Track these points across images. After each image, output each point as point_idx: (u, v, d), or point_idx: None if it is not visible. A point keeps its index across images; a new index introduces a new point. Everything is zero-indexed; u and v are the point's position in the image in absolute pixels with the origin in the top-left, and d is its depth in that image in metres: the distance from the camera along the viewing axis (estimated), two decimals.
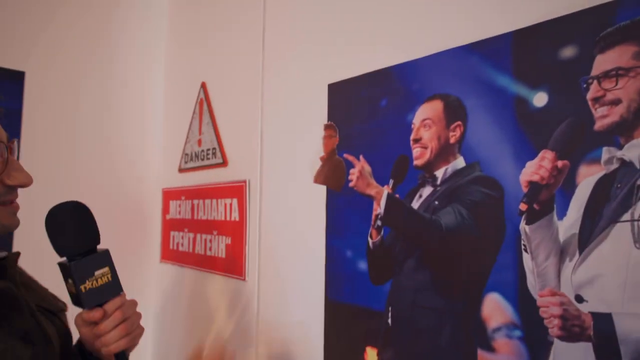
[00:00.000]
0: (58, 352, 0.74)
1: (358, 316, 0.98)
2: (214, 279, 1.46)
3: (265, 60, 1.33)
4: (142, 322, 0.79)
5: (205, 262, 1.50)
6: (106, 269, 0.74)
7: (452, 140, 0.85)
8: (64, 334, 0.79)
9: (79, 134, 1.66)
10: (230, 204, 1.39)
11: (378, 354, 0.94)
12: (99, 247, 0.75)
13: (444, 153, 0.86)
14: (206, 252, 1.49)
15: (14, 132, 1.49)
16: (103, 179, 1.70)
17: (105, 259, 0.74)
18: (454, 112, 0.85)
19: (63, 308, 0.81)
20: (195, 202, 1.57)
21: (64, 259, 0.73)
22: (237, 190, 1.37)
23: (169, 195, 1.75)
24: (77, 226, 0.73)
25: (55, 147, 1.60)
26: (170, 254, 1.72)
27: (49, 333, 0.73)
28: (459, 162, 0.84)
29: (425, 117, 0.89)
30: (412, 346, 0.87)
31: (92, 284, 0.72)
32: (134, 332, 0.77)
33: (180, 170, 1.69)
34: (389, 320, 0.92)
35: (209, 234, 1.48)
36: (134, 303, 0.78)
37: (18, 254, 0.76)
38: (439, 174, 0.86)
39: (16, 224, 0.72)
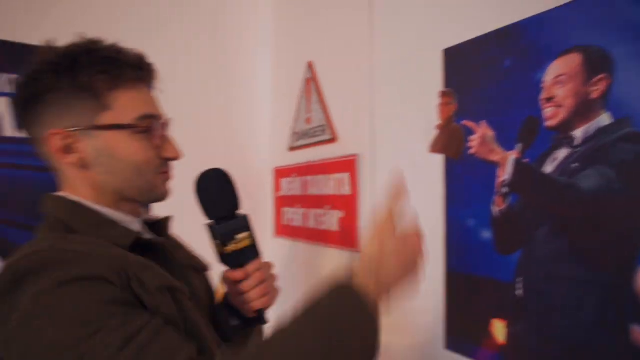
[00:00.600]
0: (205, 306, 0.83)
1: (482, 287, 0.95)
2: (327, 251, 1.51)
3: (374, 33, 1.32)
4: None
5: (318, 236, 1.55)
6: (247, 234, 0.79)
7: (594, 96, 0.77)
8: (208, 290, 0.88)
9: (193, 118, 1.80)
10: (342, 179, 1.42)
11: (507, 327, 0.90)
12: (238, 212, 0.82)
13: (583, 110, 0.78)
14: (319, 226, 1.55)
15: None
16: (216, 162, 1.83)
17: (247, 223, 0.80)
18: (596, 64, 0.76)
19: (207, 267, 0.90)
20: (306, 178, 1.62)
21: (211, 221, 0.80)
22: (348, 165, 1.39)
23: (280, 173, 1.83)
24: (224, 191, 0.81)
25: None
26: (283, 229, 1.81)
27: (196, 287, 0.81)
28: (604, 119, 0.75)
29: (559, 73, 0.82)
30: (549, 319, 0.82)
31: (235, 247, 0.79)
32: (272, 293, 0.84)
33: (291, 148, 1.77)
34: (520, 292, 0.87)
35: (321, 209, 1.53)
36: (270, 266, 0.84)
37: (171, 217, 0.86)
38: (578, 133, 0.79)
39: (169, 193, 0.81)
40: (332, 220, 1.47)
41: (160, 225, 0.83)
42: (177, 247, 0.86)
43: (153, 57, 0.80)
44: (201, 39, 1.82)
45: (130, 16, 1.68)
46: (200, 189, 0.82)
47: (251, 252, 0.81)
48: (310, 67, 1.63)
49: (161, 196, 0.79)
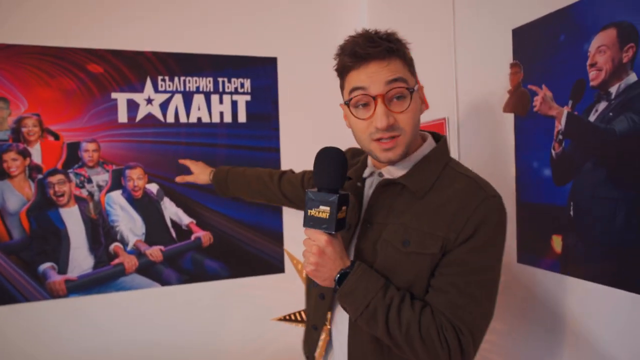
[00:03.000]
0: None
1: (544, 211, 1.24)
2: None
3: (455, 17, 1.61)
4: None
5: None
6: (328, 208, 0.88)
7: (624, 60, 1.02)
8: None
9: (320, 104, 2.22)
10: None
11: (562, 239, 1.19)
12: (342, 191, 0.92)
13: (617, 72, 1.04)
14: None
15: (274, 100, 2.13)
16: (331, 136, 2.25)
17: (333, 201, 0.88)
18: (627, 36, 1.01)
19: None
20: None
21: (315, 189, 0.92)
22: (437, 127, 1.72)
23: None
24: (334, 167, 0.91)
25: (303, 115, 2.20)
26: None
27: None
28: (632, 78, 1.01)
29: (600, 44, 1.07)
30: (591, 230, 1.11)
31: (315, 213, 0.90)
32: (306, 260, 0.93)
33: None
34: (571, 212, 1.16)
35: None
36: (312, 243, 0.91)
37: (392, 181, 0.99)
38: (613, 90, 1.05)
39: (388, 157, 0.93)
40: None
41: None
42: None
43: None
44: (314, 29, 2.23)
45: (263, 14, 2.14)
46: (318, 160, 0.94)
47: (320, 222, 0.90)
48: None
49: (381, 159, 0.94)
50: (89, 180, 1.90)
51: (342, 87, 1.00)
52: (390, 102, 0.90)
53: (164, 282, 1.98)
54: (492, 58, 1.44)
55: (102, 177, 1.91)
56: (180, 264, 2.01)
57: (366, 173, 1.04)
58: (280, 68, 2.16)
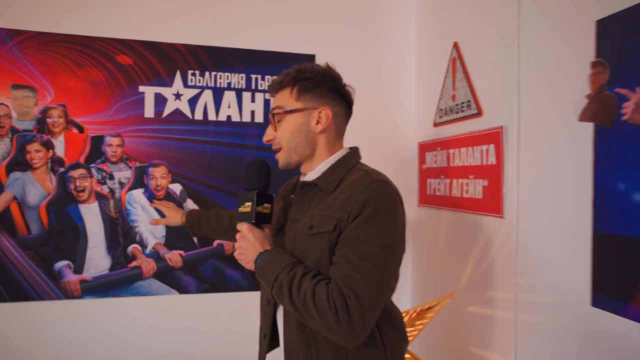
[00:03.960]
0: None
1: (632, 246, 0.99)
2: (470, 217, 1.63)
3: (521, 10, 1.38)
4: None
5: (461, 204, 1.68)
6: (249, 203, 1.07)
7: None
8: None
9: (359, 105, 2.04)
10: (487, 150, 1.52)
11: None
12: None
13: None
14: (462, 194, 1.67)
15: None
16: (364, 134, 2.06)
17: (250, 198, 1.07)
18: None
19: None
20: (451, 151, 1.75)
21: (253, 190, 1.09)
22: (493, 137, 1.49)
23: (425, 147, 1.99)
24: (257, 172, 1.10)
25: None
26: (427, 199, 1.97)
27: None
28: None
29: None
30: None
31: (242, 209, 1.09)
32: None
33: (435, 124, 1.90)
34: None
35: (465, 178, 1.65)
36: (241, 235, 1.08)
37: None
38: None
39: (280, 166, 1.15)
40: (476, 188, 1.58)
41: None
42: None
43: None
44: (353, 27, 2.06)
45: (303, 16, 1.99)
46: (247, 169, 1.12)
47: (245, 217, 1.09)
48: (456, 47, 1.74)
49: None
50: (111, 177, 1.80)
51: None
52: (277, 122, 1.13)
53: (183, 289, 1.85)
54: (566, 56, 1.20)
55: (124, 173, 1.81)
56: (201, 272, 1.87)
57: (299, 185, 1.17)
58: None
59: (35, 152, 1.74)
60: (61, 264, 1.75)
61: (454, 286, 1.73)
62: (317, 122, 1.11)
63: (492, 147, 1.50)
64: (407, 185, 2.10)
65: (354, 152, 1.17)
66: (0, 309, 1.71)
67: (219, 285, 1.88)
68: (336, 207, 1.01)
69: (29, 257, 1.73)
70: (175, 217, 1.76)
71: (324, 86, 1.13)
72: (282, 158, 1.13)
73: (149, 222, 1.81)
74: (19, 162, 1.72)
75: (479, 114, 1.59)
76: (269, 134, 1.13)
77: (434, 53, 1.93)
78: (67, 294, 1.75)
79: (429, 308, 1.58)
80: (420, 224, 2.05)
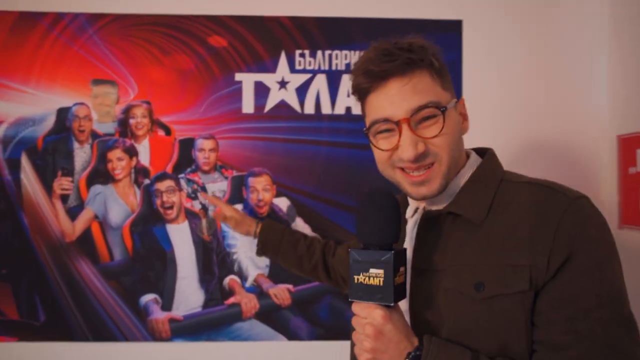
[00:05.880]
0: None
1: None
2: None
3: None
4: None
5: None
6: (381, 271, 0.70)
7: None
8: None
9: (517, 82, 1.47)
10: None
11: None
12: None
13: None
14: None
15: (456, 82, 1.44)
16: (543, 127, 1.47)
17: (387, 260, 0.69)
18: None
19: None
20: None
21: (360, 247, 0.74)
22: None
23: (631, 143, 1.35)
24: (384, 215, 0.73)
25: (496, 104, 1.47)
26: (636, 217, 1.33)
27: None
28: None
29: None
30: None
31: (364, 279, 0.71)
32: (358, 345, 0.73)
33: None
34: None
35: None
36: (364, 322, 0.72)
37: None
38: None
39: (419, 193, 0.77)
40: None
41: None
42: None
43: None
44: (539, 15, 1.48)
45: None
46: (385, 208, 0.75)
47: (371, 293, 0.72)
48: None
49: (413, 196, 0.79)
50: (203, 189, 1.43)
51: (363, 114, 0.83)
52: (418, 125, 0.75)
53: (291, 334, 1.43)
54: None
55: (218, 185, 1.43)
56: (314, 312, 1.43)
57: (408, 213, 0.86)
58: (466, 36, 1.46)
59: (118, 161, 1.43)
60: (147, 297, 1.42)
61: None
62: (464, 120, 0.82)
63: None
64: (598, 200, 1.47)
65: (492, 156, 0.83)
66: (83, 350, 1.43)
67: (337, 330, 1.43)
68: (518, 248, 0.70)
69: (111, 288, 1.42)
70: (245, 222, 1.25)
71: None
72: (438, 179, 0.76)
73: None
74: (100, 174, 1.43)
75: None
76: (419, 145, 0.74)
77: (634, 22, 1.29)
78: (154, 335, 1.42)
79: None
80: (626, 257, 1.40)
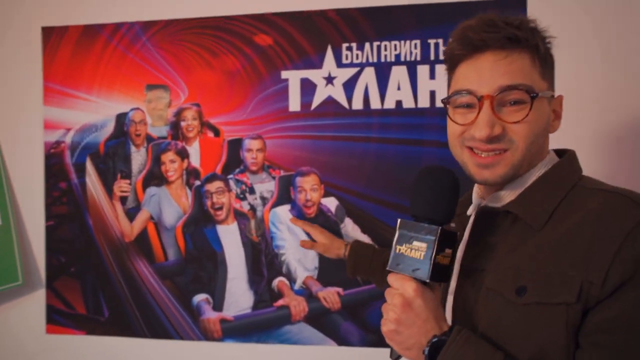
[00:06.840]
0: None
1: None
2: None
3: None
4: None
5: None
6: (424, 245, 0.68)
7: None
8: None
9: (600, 77, 1.30)
10: None
11: None
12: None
13: None
14: None
15: None
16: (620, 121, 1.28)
17: (432, 234, 0.68)
18: None
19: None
20: None
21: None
22: None
23: None
24: (439, 191, 0.71)
25: (571, 97, 1.31)
26: None
27: None
28: None
29: None
30: None
31: (406, 250, 0.70)
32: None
33: None
34: None
35: None
36: (395, 292, 0.70)
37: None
38: None
39: (483, 176, 0.73)
40: None
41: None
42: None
43: None
44: None
45: None
46: (441, 184, 0.72)
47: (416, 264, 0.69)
48: None
49: (476, 178, 0.74)
50: (252, 190, 1.42)
51: (448, 83, 0.78)
52: (502, 107, 0.69)
53: (342, 339, 1.37)
54: None
55: (266, 185, 1.42)
56: (365, 317, 1.36)
57: (470, 210, 0.79)
58: (532, 15, 1.31)
59: (170, 163, 1.46)
60: (199, 297, 1.44)
61: None
62: (555, 118, 0.76)
63: None
64: None
65: (570, 159, 0.76)
66: (141, 345, 1.48)
67: None
68: (572, 258, 0.64)
69: (166, 287, 1.46)
70: (333, 246, 1.28)
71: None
72: (505, 167, 0.71)
73: (299, 244, 1.37)
74: (155, 176, 1.47)
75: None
76: (496, 127, 0.69)
77: None
78: (206, 335, 1.43)
79: None
80: None
